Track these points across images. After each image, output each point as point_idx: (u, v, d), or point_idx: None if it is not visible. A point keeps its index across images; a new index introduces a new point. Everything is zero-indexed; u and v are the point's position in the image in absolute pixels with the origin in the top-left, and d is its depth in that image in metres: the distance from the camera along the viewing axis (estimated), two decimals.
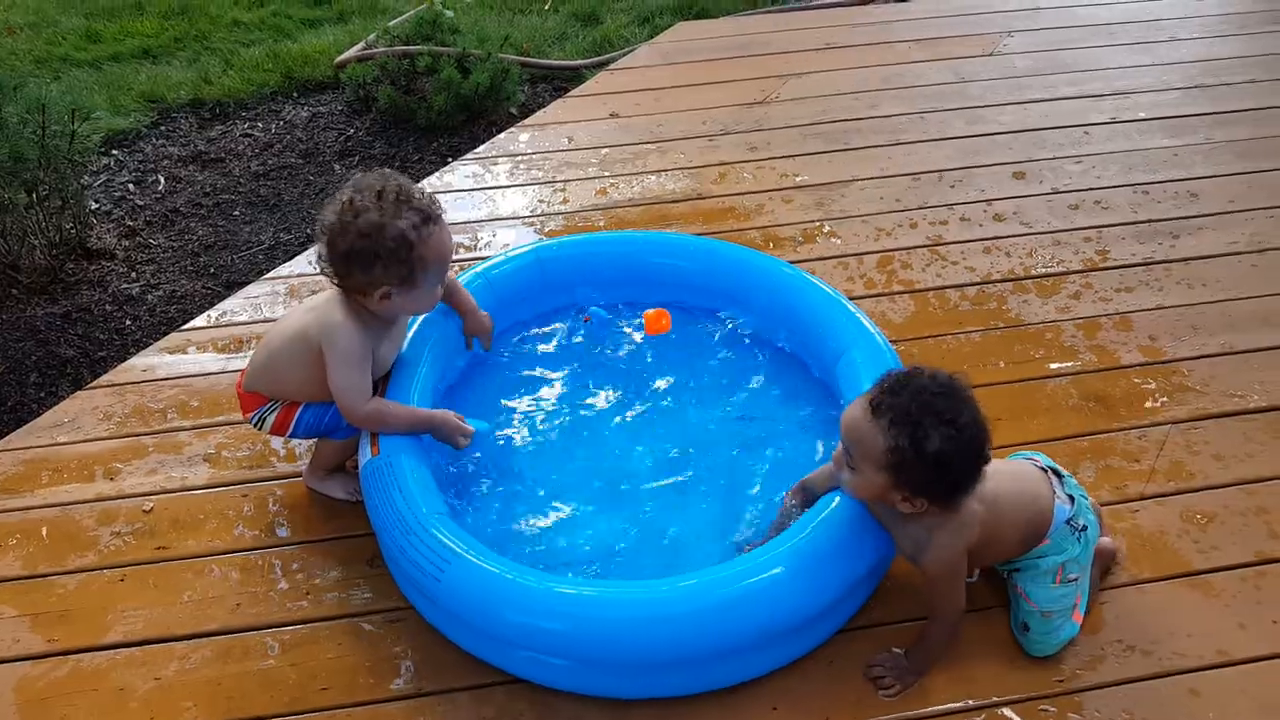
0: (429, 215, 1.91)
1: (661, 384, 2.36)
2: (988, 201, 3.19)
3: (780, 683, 1.82)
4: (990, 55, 4.09)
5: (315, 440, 2.16)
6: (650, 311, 2.43)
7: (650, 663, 1.71)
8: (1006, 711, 1.78)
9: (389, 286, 1.91)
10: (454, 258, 2.16)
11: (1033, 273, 2.87)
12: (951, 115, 3.67)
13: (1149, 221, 3.06)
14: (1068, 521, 1.83)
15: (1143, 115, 3.62)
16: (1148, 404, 2.40)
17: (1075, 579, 1.84)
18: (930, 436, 1.60)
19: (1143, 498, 2.16)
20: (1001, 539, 1.81)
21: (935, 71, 3.98)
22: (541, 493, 2.09)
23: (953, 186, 3.27)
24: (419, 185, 1.97)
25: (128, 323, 3.01)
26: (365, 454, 1.97)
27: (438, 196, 2.02)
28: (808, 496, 1.94)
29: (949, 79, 3.92)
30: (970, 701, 1.79)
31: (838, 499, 1.83)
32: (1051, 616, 1.83)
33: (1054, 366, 2.52)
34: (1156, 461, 2.25)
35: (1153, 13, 4.40)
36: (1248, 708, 1.77)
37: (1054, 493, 1.84)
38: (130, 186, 3.72)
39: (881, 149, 3.49)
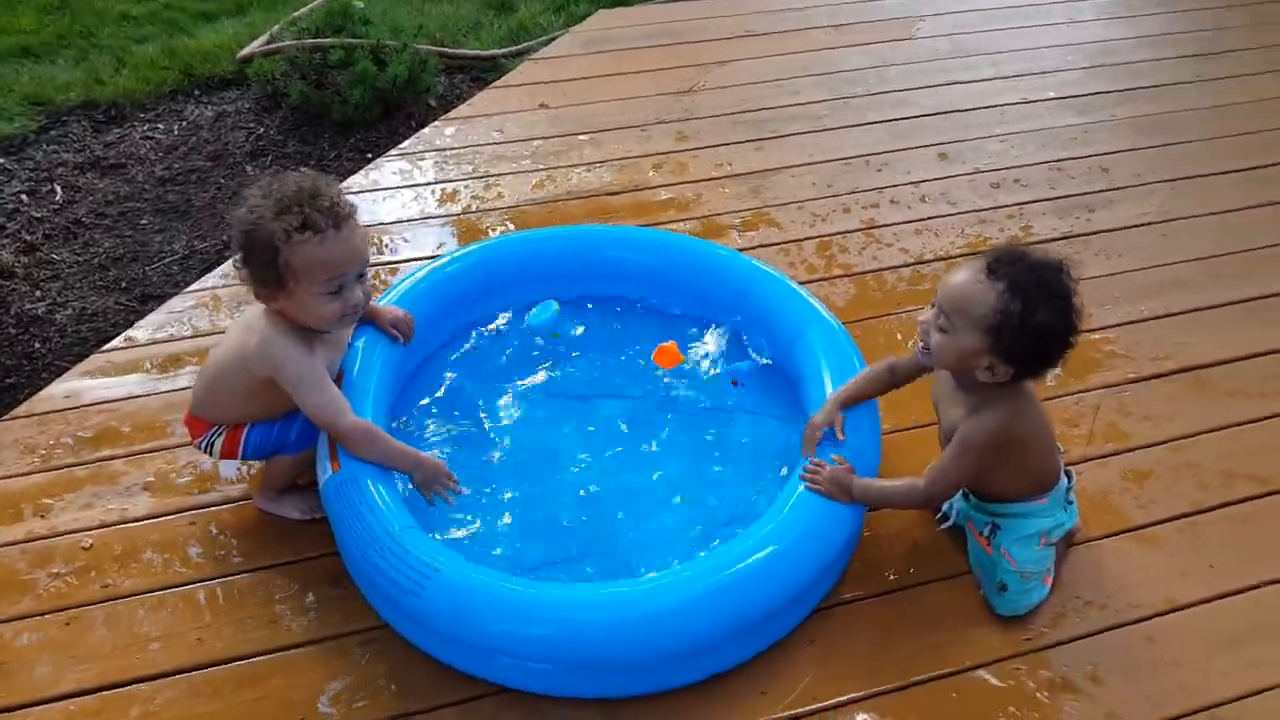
0: (309, 222, 1.81)
1: (614, 383, 2.33)
2: (915, 183, 3.27)
3: (765, 666, 1.84)
4: (905, 40, 4.18)
5: (265, 460, 2.08)
6: (662, 346, 2.38)
7: (644, 660, 1.70)
8: (982, 673, 1.84)
9: (267, 289, 1.86)
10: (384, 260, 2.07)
11: (963, 251, 2.95)
12: (873, 100, 3.74)
13: (1066, 197, 3.19)
14: (1068, 489, 1.93)
15: (1051, 95, 3.76)
16: (1081, 371, 2.51)
17: (1055, 544, 1.94)
18: (1041, 307, 1.67)
19: (1085, 460, 2.27)
20: (1025, 474, 1.87)
21: (853, 57, 4.04)
22: (504, 497, 2.05)
23: (880, 170, 3.34)
24: (336, 191, 1.88)
25: (36, 345, 2.81)
26: (325, 470, 1.89)
27: (355, 197, 1.94)
28: (894, 380, 2.02)
29: (867, 64, 3.99)
30: (947, 669, 1.85)
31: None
32: (1030, 578, 1.91)
33: None
34: (1094, 425, 2.36)
35: None
36: (1199, 648, 1.90)
37: (1062, 460, 1.94)
38: (23, 198, 3.47)
39: (809, 135, 3.53)
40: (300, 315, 1.91)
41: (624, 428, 2.22)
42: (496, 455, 2.15)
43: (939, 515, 2.05)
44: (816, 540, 1.83)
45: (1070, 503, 1.95)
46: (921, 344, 1.83)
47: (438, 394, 2.28)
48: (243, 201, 1.87)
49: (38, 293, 3.02)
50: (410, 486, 1.96)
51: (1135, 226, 3.06)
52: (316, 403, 1.90)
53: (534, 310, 2.44)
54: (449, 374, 2.32)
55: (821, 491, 1.86)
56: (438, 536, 1.90)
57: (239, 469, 2.19)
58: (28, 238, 3.26)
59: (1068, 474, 1.96)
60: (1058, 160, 3.37)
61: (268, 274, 1.84)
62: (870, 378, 2.03)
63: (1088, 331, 2.63)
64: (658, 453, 2.16)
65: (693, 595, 1.70)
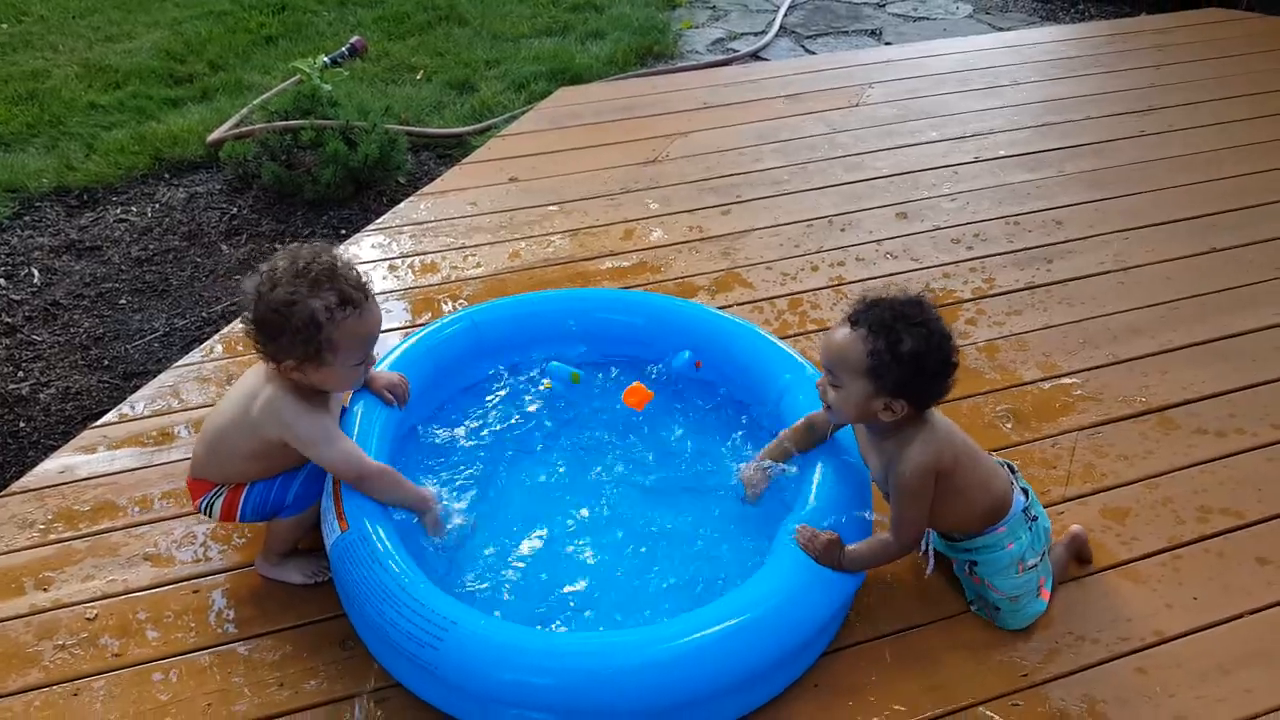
0: (347, 298, 1.87)
1: (609, 438, 2.38)
2: (877, 242, 3.41)
3: (771, 712, 1.87)
4: (855, 106, 4.40)
5: (265, 525, 2.08)
6: (632, 387, 2.43)
7: (665, 706, 1.72)
8: (985, 710, 1.89)
9: (294, 360, 1.90)
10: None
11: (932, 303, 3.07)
12: (830, 164, 3.91)
13: (1024, 249, 3.35)
14: (1024, 510, 2.00)
15: (1002, 153, 3.97)
16: (1055, 415, 2.62)
17: (1034, 565, 2.01)
18: (904, 338, 1.79)
19: (1065, 500, 2.36)
20: (967, 499, 1.94)
21: (807, 124, 4.23)
22: (507, 553, 2.08)
23: (843, 230, 3.48)
24: (350, 263, 1.94)
25: (21, 425, 2.79)
26: (333, 530, 1.91)
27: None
28: (813, 435, 2.10)
29: (821, 130, 4.18)
30: (949, 706, 1.89)
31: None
32: (1018, 600, 2.00)
33: (966, 389, 2.69)
34: (1071, 466, 2.46)
35: (990, 60, 4.86)
36: (1186, 677, 1.96)
37: (1012, 482, 2.01)
38: (1, 281, 3.48)
39: (772, 199, 3.68)
40: (324, 382, 1.96)
41: (619, 476, 2.27)
42: (495, 509, 2.18)
43: (922, 554, 2.10)
44: (826, 585, 1.88)
45: (1033, 519, 2.01)
46: (825, 405, 1.95)
47: (437, 454, 2.30)
48: (261, 277, 1.89)
49: (20, 373, 3.00)
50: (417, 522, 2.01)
51: (1094, 275, 3.21)
52: (335, 455, 1.94)
53: (551, 365, 2.46)
54: (446, 433, 2.35)
55: (814, 559, 1.90)
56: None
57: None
58: (8, 320, 3.25)
59: (1026, 492, 2.03)
60: (1014, 215, 3.55)
61: (306, 349, 1.87)
62: (792, 436, 2.13)
63: (1059, 376, 2.76)
64: (656, 503, 2.21)
65: (718, 639, 1.73)
